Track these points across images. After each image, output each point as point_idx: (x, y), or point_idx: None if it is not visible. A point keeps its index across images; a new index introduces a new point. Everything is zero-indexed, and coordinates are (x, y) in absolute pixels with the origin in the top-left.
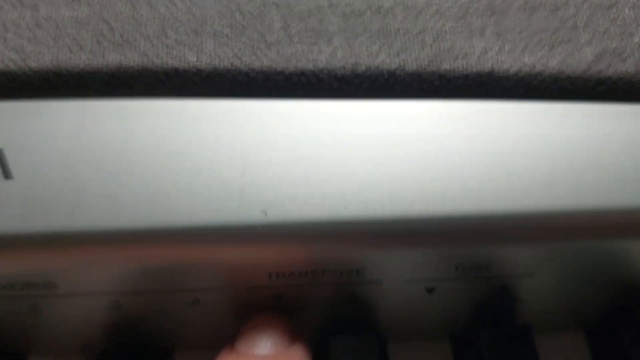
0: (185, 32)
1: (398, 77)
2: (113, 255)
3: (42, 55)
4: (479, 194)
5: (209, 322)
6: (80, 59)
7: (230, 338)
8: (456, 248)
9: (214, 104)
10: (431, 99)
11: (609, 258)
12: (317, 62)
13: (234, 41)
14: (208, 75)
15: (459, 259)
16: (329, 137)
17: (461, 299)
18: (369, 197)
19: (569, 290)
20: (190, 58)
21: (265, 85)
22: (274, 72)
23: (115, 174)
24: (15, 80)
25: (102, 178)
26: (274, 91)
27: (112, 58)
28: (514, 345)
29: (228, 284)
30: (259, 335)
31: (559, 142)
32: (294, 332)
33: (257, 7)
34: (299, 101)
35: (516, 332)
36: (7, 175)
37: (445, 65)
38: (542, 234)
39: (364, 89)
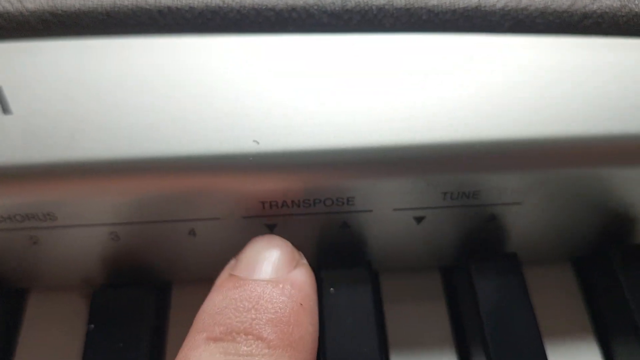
0: None
1: (387, 12)
2: (110, 185)
3: None
4: (466, 122)
5: (205, 255)
6: None
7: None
8: (443, 175)
9: (207, 40)
10: (419, 32)
11: (595, 186)
12: None
13: None
14: (200, 12)
15: (447, 186)
16: (320, 70)
17: (450, 228)
18: (358, 126)
19: (557, 219)
20: None
21: (256, 21)
22: (264, 9)
23: (111, 107)
24: (12, 20)
25: (99, 111)
26: (265, 27)
27: None
28: (503, 275)
29: (223, 213)
30: (259, 259)
31: (545, 73)
32: (296, 254)
33: None
34: (290, 36)
35: (505, 261)
36: (6, 110)
37: (433, 0)
38: (528, 161)
39: (354, 24)
